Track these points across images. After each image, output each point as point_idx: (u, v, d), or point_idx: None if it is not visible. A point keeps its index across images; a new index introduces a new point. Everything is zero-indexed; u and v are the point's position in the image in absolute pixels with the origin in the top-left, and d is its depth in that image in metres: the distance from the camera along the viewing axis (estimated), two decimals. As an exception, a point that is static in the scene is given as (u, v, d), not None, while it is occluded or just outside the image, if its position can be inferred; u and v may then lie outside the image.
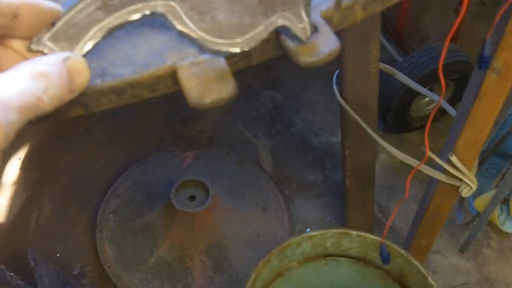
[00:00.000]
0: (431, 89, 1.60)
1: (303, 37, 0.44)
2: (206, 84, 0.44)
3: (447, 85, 1.63)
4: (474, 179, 1.13)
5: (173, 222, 1.53)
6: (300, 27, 0.44)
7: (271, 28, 0.44)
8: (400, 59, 1.66)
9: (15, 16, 0.38)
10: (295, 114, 1.83)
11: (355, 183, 1.43)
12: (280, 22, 0.44)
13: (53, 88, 0.37)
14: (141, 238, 1.57)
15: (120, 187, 1.69)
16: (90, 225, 1.62)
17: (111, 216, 1.63)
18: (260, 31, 0.44)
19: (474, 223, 1.21)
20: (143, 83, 0.46)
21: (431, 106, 1.68)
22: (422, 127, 1.73)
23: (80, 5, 0.42)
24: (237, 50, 0.44)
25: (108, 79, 0.45)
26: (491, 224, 1.55)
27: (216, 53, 0.45)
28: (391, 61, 1.68)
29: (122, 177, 1.71)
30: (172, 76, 0.46)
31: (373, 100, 1.28)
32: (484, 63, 0.77)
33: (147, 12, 0.43)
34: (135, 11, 0.43)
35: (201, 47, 0.45)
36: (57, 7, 0.41)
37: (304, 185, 1.69)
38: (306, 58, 0.44)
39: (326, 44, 0.45)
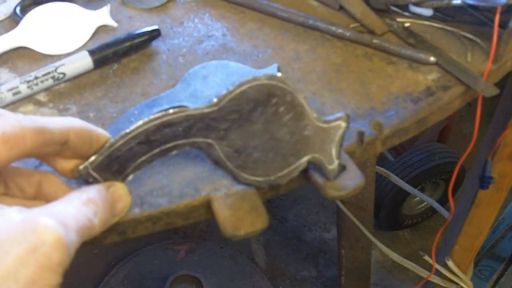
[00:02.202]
0: (422, 189, 1.64)
1: (331, 177, 0.47)
2: (239, 216, 0.46)
3: (437, 184, 1.68)
4: (470, 283, 1.15)
5: (166, 319, 1.51)
6: (330, 168, 0.47)
7: (302, 168, 0.47)
8: (392, 158, 1.71)
9: (65, 143, 0.41)
10: (289, 209, 1.85)
11: (350, 282, 1.43)
12: (311, 162, 0.47)
13: (101, 212, 0.40)
14: (132, 334, 1.55)
15: (112, 281, 1.67)
16: (81, 319, 1.59)
17: (102, 310, 1.61)
18: (291, 170, 0.47)
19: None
20: (178, 212, 0.48)
21: (423, 205, 1.71)
22: (414, 225, 1.75)
23: (124, 139, 0.44)
24: (268, 185, 0.47)
25: (146, 208, 0.47)
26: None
27: (249, 185, 0.48)
28: (383, 160, 1.73)
29: (114, 270, 1.70)
30: (206, 205, 0.48)
31: (370, 201, 1.31)
32: (485, 183, 0.81)
33: (187, 148, 0.46)
34: (176, 147, 0.46)
35: (235, 179, 0.48)
36: (105, 133, 0.44)
37: (297, 281, 1.69)
38: (333, 192, 0.47)
39: (352, 179, 0.48)
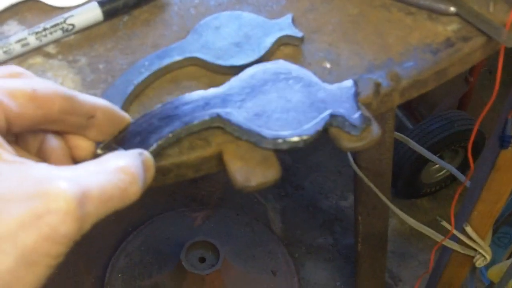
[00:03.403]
0: (441, 156, 1.61)
1: (355, 131, 0.45)
2: (251, 167, 0.45)
3: (457, 152, 1.65)
4: (489, 250, 1.14)
5: (183, 284, 1.51)
6: (353, 118, 0.45)
7: (326, 120, 0.45)
8: (411, 126, 1.68)
9: (91, 117, 0.39)
10: (305, 177, 1.84)
11: (367, 250, 1.42)
12: (332, 117, 0.46)
13: (135, 181, 0.36)
14: (149, 299, 1.56)
15: (129, 246, 1.68)
16: (98, 284, 1.60)
17: (119, 275, 1.62)
18: (317, 122, 0.45)
19: (489, 294, 1.20)
20: (189, 164, 0.47)
21: (442, 173, 1.69)
22: (433, 193, 1.73)
23: (144, 117, 0.45)
24: (295, 139, 0.45)
25: (156, 160, 0.46)
26: (503, 293, 1.53)
27: (277, 148, 0.47)
28: (401, 128, 1.70)
29: (132, 236, 1.71)
30: (217, 157, 0.47)
31: (387, 168, 1.29)
32: (505, 142, 0.79)
33: (207, 118, 0.45)
34: (195, 118, 0.45)
35: (259, 143, 0.46)
36: (127, 116, 0.43)
37: (314, 248, 1.69)
38: (349, 143, 0.46)
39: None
